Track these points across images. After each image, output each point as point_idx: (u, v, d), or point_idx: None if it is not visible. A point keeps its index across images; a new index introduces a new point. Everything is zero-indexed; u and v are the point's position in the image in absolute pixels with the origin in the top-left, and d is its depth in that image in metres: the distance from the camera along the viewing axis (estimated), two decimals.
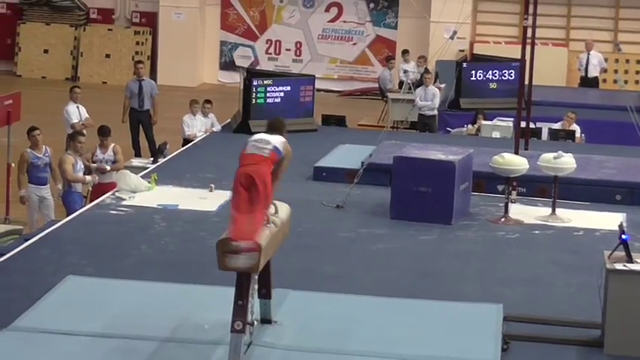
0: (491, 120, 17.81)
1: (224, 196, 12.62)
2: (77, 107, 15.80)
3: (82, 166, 12.91)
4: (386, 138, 14.77)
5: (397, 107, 19.17)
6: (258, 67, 24.13)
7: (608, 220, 12.04)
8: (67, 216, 12.24)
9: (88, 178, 12.83)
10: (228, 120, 17.49)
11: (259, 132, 8.09)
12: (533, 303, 9.52)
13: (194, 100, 16.66)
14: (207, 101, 16.90)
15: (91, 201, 13.19)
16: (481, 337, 8.32)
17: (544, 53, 20.93)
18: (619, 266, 8.45)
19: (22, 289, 9.22)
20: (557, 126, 17.41)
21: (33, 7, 25.68)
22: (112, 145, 13.70)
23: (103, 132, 13.68)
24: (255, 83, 16.93)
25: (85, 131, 15.66)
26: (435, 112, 18.62)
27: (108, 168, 13.35)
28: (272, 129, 8.09)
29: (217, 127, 16.78)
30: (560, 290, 9.98)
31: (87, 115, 15.86)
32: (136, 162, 15.44)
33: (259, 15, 25.54)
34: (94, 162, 13.65)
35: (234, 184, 7.75)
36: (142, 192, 12.78)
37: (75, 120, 15.62)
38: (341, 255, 10.86)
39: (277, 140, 7.92)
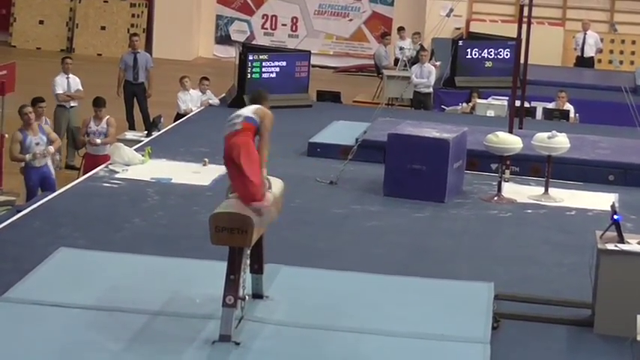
0: (486, 98, 17.80)
1: (218, 170, 12.60)
2: (67, 78, 15.69)
3: (37, 140, 12.27)
4: (381, 115, 14.75)
5: (392, 84, 19.13)
6: (253, 42, 24.06)
7: (601, 200, 12.06)
8: (27, 193, 12.19)
9: (28, 156, 12.18)
10: (223, 94, 17.46)
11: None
12: (525, 282, 9.54)
13: (184, 76, 16.61)
14: (205, 78, 16.86)
15: (84, 173, 13.17)
16: (472, 315, 8.32)
17: (540, 32, 20.88)
18: (610, 246, 8.46)
19: (14, 261, 9.22)
20: (551, 105, 17.39)
21: None
22: (107, 117, 13.65)
23: (98, 103, 13.62)
24: (250, 58, 16.89)
25: (73, 102, 15.57)
26: (431, 89, 18.59)
27: (98, 142, 13.25)
28: (251, 101, 8.12)
29: (215, 102, 16.72)
30: (551, 269, 10.00)
31: (79, 87, 15.74)
32: (130, 135, 15.40)
33: None
34: (87, 134, 13.59)
35: (226, 168, 7.89)
36: (136, 165, 12.76)
37: (60, 91, 15.46)
38: (334, 231, 10.86)
39: (249, 110, 7.90)
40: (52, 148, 12.45)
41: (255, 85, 16.59)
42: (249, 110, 7.91)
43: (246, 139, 7.76)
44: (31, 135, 12.25)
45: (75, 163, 14.83)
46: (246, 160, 7.70)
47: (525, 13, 14.19)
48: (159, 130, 15.28)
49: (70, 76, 15.71)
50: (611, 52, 23.04)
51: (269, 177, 8.12)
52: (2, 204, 11.91)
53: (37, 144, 12.26)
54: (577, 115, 17.38)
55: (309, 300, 8.52)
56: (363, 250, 10.27)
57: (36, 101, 13.28)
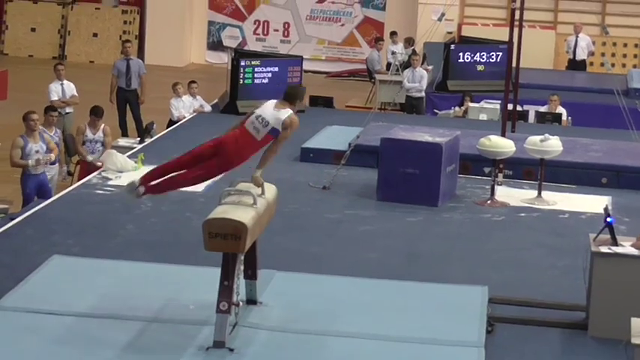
0: (479, 102, 17.81)
1: None
2: (61, 85, 15.69)
3: (37, 148, 12.26)
4: (373, 119, 14.75)
5: (385, 89, 19.13)
6: (245, 48, 24.07)
7: (594, 202, 12.07)
8: (23, 200, 12.19)
9: (30, 162, 12.17)
10: (216, 100, 17.46)
11: (261, 105, 8.05)
12: (518, 285, 9.54)
13: (176, 83, 16.62)
14: (193, 82, 16.85)
15: (78, 179, 13.15)
16: (466, 319, 8.32)
17: (532, 36, 20.95)
18: (604, 249, 8.46)
19: (7, 268, 9.19)
20: (544, 109, 17.42)
21: None
22: (102, 125, 13.63)
23: (96, 112, 13.60)
24: (242, 64, 16.89)
25: (68, 109, 15.54)
26: (423, 93, 18.62)
27: (99, 164, 13.22)
28: (286, 97, 8.08)
29: (207, 108, 16.73)
30: (545, 273, 10.00)
31: (74, 93, 15.73)
32: (123, 142, 15.38)
33: None
34: (83, 142, 13.55)
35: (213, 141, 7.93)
36: (129, 172, 12.74)
37: (54, 97, 15.48)
38: (327, 236, 10.85)
39: (279, 117, 7.89)
40: (53, 156, 12.47)
41: (248, 91, 16.67)
42: (278, 118, 7.87)
43: (249, 154, 7.85)
44: (32, 142, 12.30)
45: (70, 169, 14.82)
46: (220, 162, 7.81)
47: (517, 16, 14.20)
48: (151, 137, 15.27)
49: (65, 82, 15.71)
50: (603, 54, 23.07)
51: (264, 183, 8.13)
52: None
53: (37, 151, 12.29)
54: (569, 118, 17.40)
55: (303, 305, 8.52)
56: (357, 254, 10.26)
57: (48, 109, 13.28)
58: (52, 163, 12.61)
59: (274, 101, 8.07)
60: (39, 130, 12.48)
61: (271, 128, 7.88)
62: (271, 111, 7.97)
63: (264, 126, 7.89)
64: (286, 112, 7.97)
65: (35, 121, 12.35)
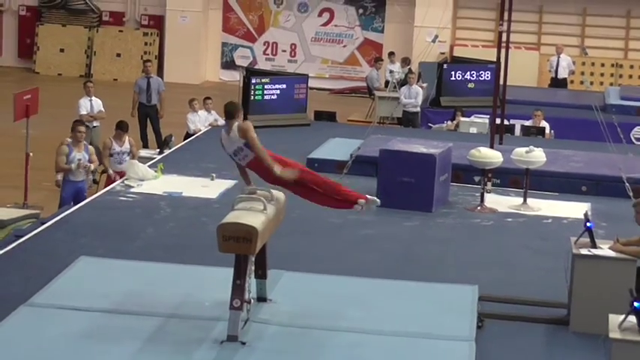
0: (469, 117, 17.81)
1: (224, 184, 12.62)
2: (90, 100, 15.72)
3: (80, 157, 12.35)
4: (373, 132, 14.75)
5: (383, 104, 19.16)
6: (256, 67, 24.09)
7: (575, 209, 12.06)
8: (59, 204, 12.21)
9: (73, 165, 12.27)
10: None
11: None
12: (506, 284, 9.53)
13: (193, 99, 16.64)
14: (208, 98, 16.88)
15: (104, 187, 13.15)
16: (458, 316, 8.31)
17: (517, 56, 20.95)
18: (584, 251, 8.47)
19: (39, 268, 9.20)
20: (528, 123, 17.42)
21: (51, 9, 25.63)
22: (127, 138, 13.65)
23: (122, 127, 13.62)
24: (253, 81, 16.90)
25: (96, 122, 15.58)
26: (418, 109, 18.62)
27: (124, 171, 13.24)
28: (227, 115, 8.03)
29: (221, 122, 16.73)
30: (530, 273, 10.00)
31: (101, 109, 15.77)
32: (144, 153, 15.38)
33: (258, 19, 25.52)
34: (111, 154, 13.55)
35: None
36: (149, 180, 12.75)
37: (83, 112, 15.53)
38: (331, 239, 10.85)
39: (235, 138, 7.86)
40: (92, 165, 12.55)
41: (258, 107, 16.68)
42: (235, 137, 7.85)
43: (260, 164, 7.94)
44: (76, 151, 12.38)
45: (96, 177, 14.83)
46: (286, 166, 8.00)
47: (504, 38, 14.21)
48: (170, 148, 15.28)
49: (93, 98, 15.76)
50: (583, 73, 23.09)
51: (272, 190, 8.14)
52: (27, 217, 11.87)
53: (79, 159, 12.35)
54: (552, 131, 17.41)
55: (309, 302, 8.51)
56: (358, 256, 10.25)
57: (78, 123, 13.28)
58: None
59: (222, 130, 8.03)
60: (84, 141, 12.57)
61: (242, 145, 7.85)
62: (228, 142, 7.94)
63: (240, 150, 7.89)
64: (235, 128, 7.88)
65: (82, 132, 12.44)
